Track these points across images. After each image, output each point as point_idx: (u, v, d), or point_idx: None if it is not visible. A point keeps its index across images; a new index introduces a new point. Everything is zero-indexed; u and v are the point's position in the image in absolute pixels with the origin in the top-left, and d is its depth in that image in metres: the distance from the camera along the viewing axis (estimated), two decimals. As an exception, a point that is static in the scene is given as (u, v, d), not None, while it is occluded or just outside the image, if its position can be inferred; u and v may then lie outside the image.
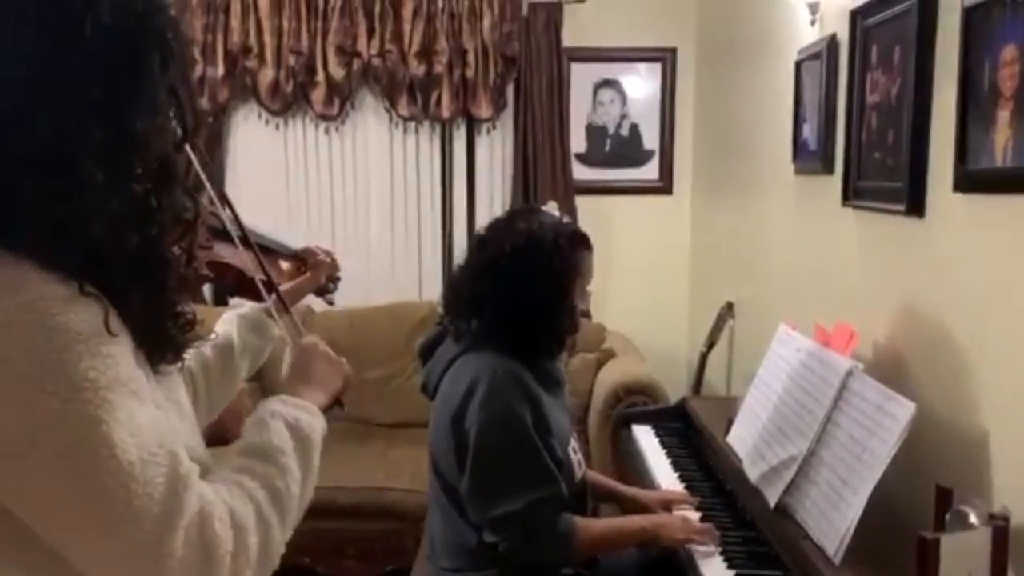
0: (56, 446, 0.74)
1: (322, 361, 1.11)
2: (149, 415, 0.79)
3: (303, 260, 1.55)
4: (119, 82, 0.80)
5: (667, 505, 1.89)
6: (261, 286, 1.27)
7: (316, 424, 0.99)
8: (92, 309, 0.77)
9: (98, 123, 0.79)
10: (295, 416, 0.96)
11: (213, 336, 1.31)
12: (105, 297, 0.79)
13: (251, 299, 1.37)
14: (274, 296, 1.32)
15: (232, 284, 1.38)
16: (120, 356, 0.78)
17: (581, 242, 1.73)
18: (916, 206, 1.70)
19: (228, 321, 1.35)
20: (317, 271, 1.52)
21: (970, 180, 1.52)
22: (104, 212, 0.78)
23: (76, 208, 0.77)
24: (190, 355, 1.25)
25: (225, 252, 1.33)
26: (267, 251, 1.49)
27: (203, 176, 1.11)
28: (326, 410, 1.06)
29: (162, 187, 0.84)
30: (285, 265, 1.54)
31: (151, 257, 0.83)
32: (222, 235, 1.28)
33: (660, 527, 1.68)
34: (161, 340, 0.87)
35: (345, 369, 1.13)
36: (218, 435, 1.28)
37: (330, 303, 1.65)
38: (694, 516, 1.81)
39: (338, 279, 1.60)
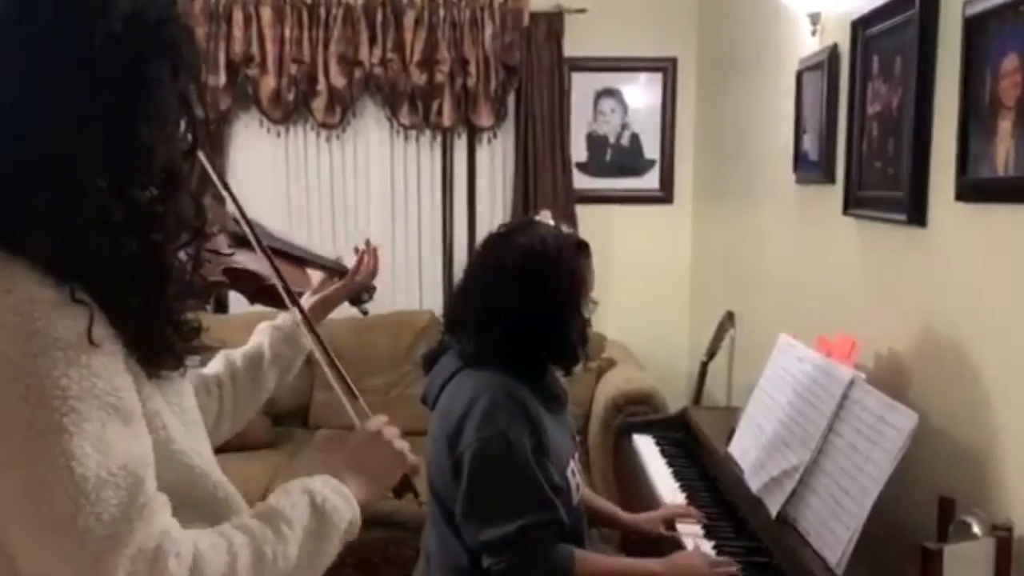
0: (15, 447, 0.74)
1: (382, 452, 1.04)
2: (124, 434, 0.77)
3: (337, 270, 1.52)
4: (126, 90, 0.80)
5: (670, 521, 1.87)
6: (284, 293, 1.25)
7: (345, 513, 0.93)
8: (78, 316, 0.76)
9: (102, 130, 0.78)
10: (324, 497, 0.92)
11: (246, 346, 1.31)
12: (102, 301, 0.78)
13: (275, 307, 1.37)
14: (297, 308, 1.30)
15: (252, 291, 1.38)
16: (100, 368, 0.77)
17: (583, 250, 1.71)
18: (918, 215, 1.70)
19: (261, 331, 1.35)
20: (350, 280, 1.49)
21: (972, 190, 1.52)
22: (104, 218, 0.78)
23: (75, 213, 0.77)
24: (220, 363, 1.27)
25: (246, 259, 1.33)
26: (295, 259, 1.49)
27: (219, 183, 1.12)
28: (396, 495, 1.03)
29: (168, 194, 0.84)
30: (316, 274, 1.52)
31: (152, 264, 0.82)
32: (244, 242, 1.27)
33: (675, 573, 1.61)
34: (160, 346, 0.86)
35: (409, 461, 1.06)
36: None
37: (364, 312, 1.63)
38: (704, 542, 1.77)
39: (373, 289, 1.57)
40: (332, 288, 1.48)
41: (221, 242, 1.34)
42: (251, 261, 1.32)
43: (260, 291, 1.36)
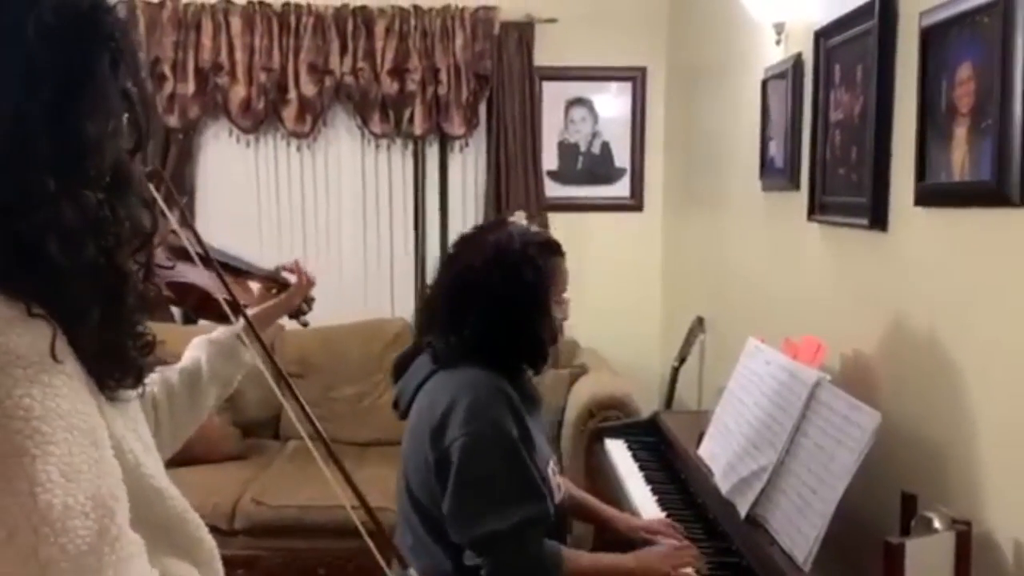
0: None
1: None
2: (93, 458, 0.71)
3: (277, 281, 1.49)
4: (67, 84, 0.74)
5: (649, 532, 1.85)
6: (227, 308, 1.21)
7: None
8: (38, 332, 0.70)
9: (47, 128, 0.73)
10: None
11: (180, 362, 1.25)
12: (61, 316, 0.73)
13: (217, 322, 1.33)
14: (242, 319, 1.26)
15: (196, 306, 1.33)
16: (64, 387, 0.71)
17: (551, 248, 1.70)
18: (879, 220, 1.75)
19: (197, 346, 1.29)
20: (291, 293, 1.45)
21: (930, 195, 1.56)
22: (57, 223, 0.72)
23: (25, 220, 0.71)
24: (154, 381, 1.19)
25: (188, 272, 1.28)
26: (235, 271, 1.44)
27: (154, 191, 1.08)
28: None
29: (117, 196, 0.78)
30: (256, 286, 1.48)
31: (109, 270, 0.76)
32: (184, 254, 1.23)
33: (646, 568, 1.65)
34: (121, 362, 0.79)
35: None
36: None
37: (304, 324, 1.59)
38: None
39: (312, 300, 1.54)
40: (272, 302, 1.43)
41: (160, 255, 1.27)
42: (194, 274, 1.26)
43: (204, 305, 1.30)
